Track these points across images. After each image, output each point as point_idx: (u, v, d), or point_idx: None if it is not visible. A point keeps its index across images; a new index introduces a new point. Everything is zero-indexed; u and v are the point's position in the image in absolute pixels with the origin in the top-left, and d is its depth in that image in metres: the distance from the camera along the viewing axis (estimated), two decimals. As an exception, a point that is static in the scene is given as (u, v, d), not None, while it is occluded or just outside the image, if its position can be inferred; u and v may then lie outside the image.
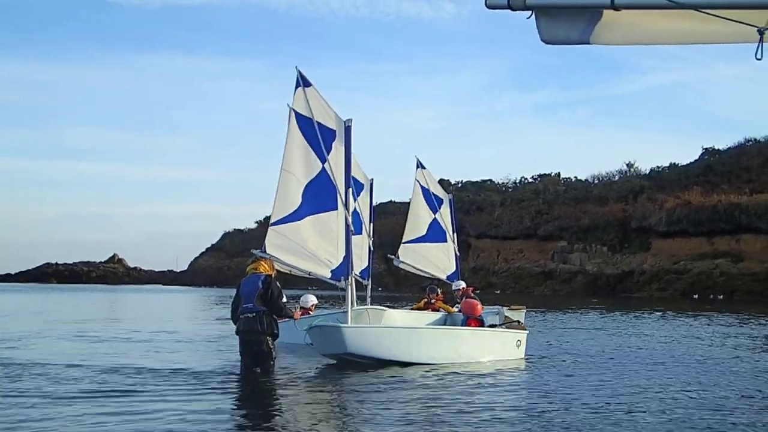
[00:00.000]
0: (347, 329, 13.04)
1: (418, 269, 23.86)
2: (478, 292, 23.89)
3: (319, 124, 13.48)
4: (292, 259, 12.86)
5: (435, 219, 23.99)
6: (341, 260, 13.60)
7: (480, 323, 15.18)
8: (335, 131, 13.76)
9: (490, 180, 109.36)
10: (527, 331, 15.96)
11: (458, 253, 24.75)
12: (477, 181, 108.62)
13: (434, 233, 24.00)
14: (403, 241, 23.49)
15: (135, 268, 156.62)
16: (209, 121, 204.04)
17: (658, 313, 34.86)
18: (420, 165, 23.86)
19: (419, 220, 23.82)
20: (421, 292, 25.43)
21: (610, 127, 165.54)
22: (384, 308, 21.45)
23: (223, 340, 17.64)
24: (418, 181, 23.86)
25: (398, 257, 23.26)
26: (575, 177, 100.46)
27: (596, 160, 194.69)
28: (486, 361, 14.14)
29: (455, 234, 24.93)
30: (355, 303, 14.20)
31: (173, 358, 13.99)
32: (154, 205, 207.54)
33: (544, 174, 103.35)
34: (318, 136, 13.45)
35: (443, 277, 24.45)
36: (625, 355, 16.08)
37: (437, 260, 24.20)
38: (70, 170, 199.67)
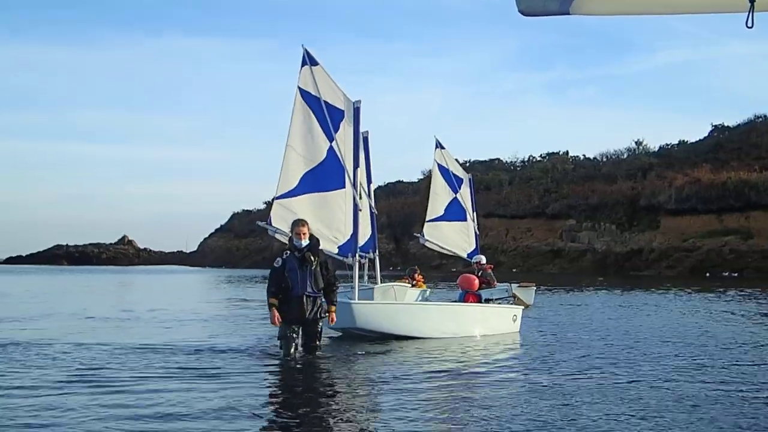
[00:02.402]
0: (356, 305, 13.59)
1: (441, 247, 24.10)
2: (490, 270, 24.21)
3: (326, 103, 13.62)
4: None
5: (455, 198, 24.23)
6: (348, 237, 13.90)
7: (478, 299, 15.54)
8: (343, 111, 13.92)
9: (498, 159, 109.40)
10: (522, 307, 16.72)
11: (477, 232, 25.00)
12: (485, 160, 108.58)
13: (454, 212, 24.25)
14: (427, 219, 23.72)
15: (145, 249, 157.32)
16: (217, 102, 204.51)
17: (666, 291, 34.95)
18: (439, 145, 24.03)
19: (438, 199, 24.01)
20: (430, 270, 25.70)
21: (619, 106, 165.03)
22: (406, 285, 21.90)
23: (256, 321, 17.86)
24: (437, 162, 24.03)
25: (423, 235, 23.48)
26: (584, 155, 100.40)
27: (605, 139, 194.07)
28: (484, 334, 14.75)
29: (475, 213, 25.15)
30: (358, 279, 14.39)
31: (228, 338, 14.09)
32: (163, 186, 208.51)
33: (553, 152, 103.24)
34: (326, 115, 13.59)
35: (464, 255, 24.77)
36: (615, 329, 16.46)
37: (458, 238, 24.49)
38: (78, 152, 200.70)
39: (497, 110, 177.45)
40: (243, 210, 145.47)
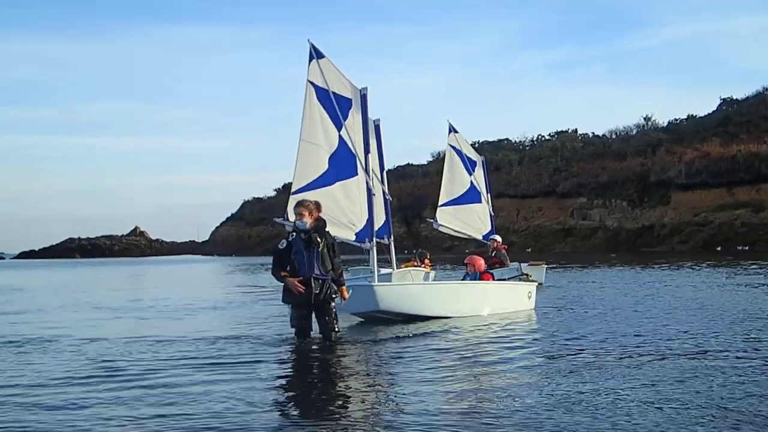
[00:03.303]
0: (378, 288, 13.66)
1: (455, 231, 24.15)
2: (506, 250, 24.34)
3: (334, 94, 13.72)
4: None
5: (471, 181, 24.27)
6: (365, 223, 14.09)
7: (492, 278, 15.75)
8: (351, 100, 14.03)
9: (507, 139, 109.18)
10: (536, 283, 16.97)
11: (492, 213, 25.06)
12: (494, 141, 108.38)
13: (470, 195, 24.32)
14: (440, 204, 23.75)
15: (157, 240, 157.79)
16: (223, 91, 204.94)
17: (679, 267, 34.91)
18: (452, 129, 24.06)
19: (455, 182, 24.07)
20: (442, 252, 25.85)
21: (627, 82, 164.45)
22: (423, 269, 22.04)
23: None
24: (451, 145, 24.08)
25: (436, 220, 23.53)
26: (593, 133, 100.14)
27: (613, 116, 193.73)
28: (503, 312, 14.92)
29: (489, 194, 25.18)
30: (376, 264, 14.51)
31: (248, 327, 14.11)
32: (173, 176, 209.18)
33: (562, 131, 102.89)
34: (335, 106, 13.69)
35: (479, 237, 24.85)
36: (629, 305, 16.53)
37: (474, 221, 24.57)
38: (87, 145, 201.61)
39: (505, 91, 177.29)
40: (253, 198, 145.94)
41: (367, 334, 12.26)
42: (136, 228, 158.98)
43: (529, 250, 74.17)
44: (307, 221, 10.79)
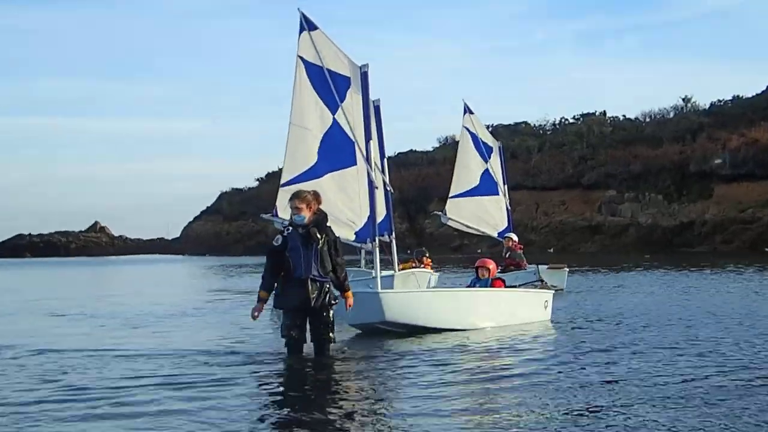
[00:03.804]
0: (385, 295, 13.60)
1: (467, 226, 24.14)
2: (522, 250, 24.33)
3: (330, 71, 13.66)
4: None
5: (486, 170, 24.22)
6: (366, 220, 14.07)
7: (503, 285, 15.76)
8: (349, 78, 13.97)
9: (525, 122, 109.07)
10: (553, 291, 17.08)
11: (510, 207, 25.07)
12: (510, 124, 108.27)
13: (486, 185, 24.28)
14: (450, 195, 23.75)
15: (120, 236, 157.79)
16: (201, 66, 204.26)
17: (723, 269, 34.91)
18: (467, 109, 24.10)
19: (469, 171, 24.08)
20: (449, 252, 25.92)
21: (664, 58, 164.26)
22: (429, 270, 22.06)
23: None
24: (466, 128, 24.11)
25: (445, 213, 23.49)
26: (623, 116, 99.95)
27: (648, 96, 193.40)
28: (517, 323, 14.93)
29: (506, 186, 25.17)
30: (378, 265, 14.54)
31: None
32: (140, 163, 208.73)
33: (588, 113, 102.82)
34: (330, 85, 13.62)
35: (494, 234, 24.92)
36: (661, 315, 16.49)
37: (488, 216, 24.58)
38: (42, 126, 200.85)
39: (524, 66, 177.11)
40: (232, 189, 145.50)
41: (367, 348, 12.27)
42: (96, 223, 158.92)
43: (551, 250, 74.17)
44: (305, 215, 10.72)
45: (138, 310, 20.71)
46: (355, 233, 14.09)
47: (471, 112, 24.20)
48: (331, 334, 10.94)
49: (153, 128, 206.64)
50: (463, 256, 56.84)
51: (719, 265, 38.12)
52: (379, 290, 13.75)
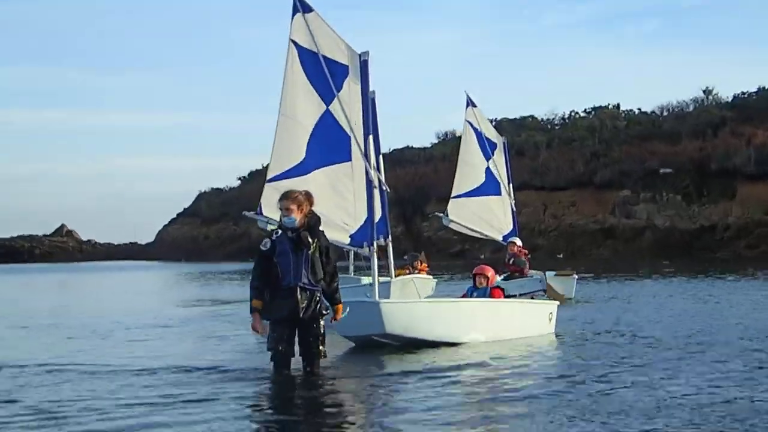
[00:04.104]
0: (386, 306, 13.55)
1: (470, 229, 24.13)
2: (529, 256, 24.34)
3: (326, 58, 13.60)
4: None
5: (488, 168, 24.24)
6: (363, 222, 14.05)
7: (502, 294, 15.80)
8: (347, 66, 13.94)
9: (532, 116, 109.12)
10: (557, 303, 17.06)
11: (515, 209, 25.05)
12: (516, 118, 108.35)
13: (488, 185, 24.29)
14: (453, 194, 23.72)
15: (89, 241, 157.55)
16: (178, 53, 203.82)
17: (749, 277, 34.89)
18: (470, 102, 24.15)
19: (473, 168, 24.05)
20: (449, 258, 25.93)
21: (684, 45, 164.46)
22: (429, 277, 22.03)
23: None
24: (469, 122, 24.11)
25: (446, 214, 23.47)
26: (639, 109, 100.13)
27: (665, 87, 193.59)
28: (522, 336, 15.01)
29: (511, 185, 25.15)
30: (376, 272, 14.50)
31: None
32: (111, 161, 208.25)
33: (600, 106, 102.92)
34: (326, 73, 13.55)
35: (498, 237, 24.99)
36: (682, 330, 16.26)
37: (492, 218, 24.64)
38: None
39: (530, 53, 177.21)
40: (212, 189, 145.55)
41: (359, 363, 12.21)
42: (62, 226, 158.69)
43: (560, 255, 74.21)
44: (296, 217, 10.62)
45: (108, 321, 20.65)
46: (351, 236, 14.04)
47: (474, 105, 24.24)
48: (321, 348, 10.86)
49: (123, 122, 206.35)
50: (463, 262, 56.68)
51: (744, 272, 38.11)
52: (379, 300, 13.68)
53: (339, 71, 13.92)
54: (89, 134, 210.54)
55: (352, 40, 14.17)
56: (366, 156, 14.03)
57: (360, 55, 14.23)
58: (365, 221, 14.12)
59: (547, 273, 24.21)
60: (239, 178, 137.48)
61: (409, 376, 11.06)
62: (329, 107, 13.74)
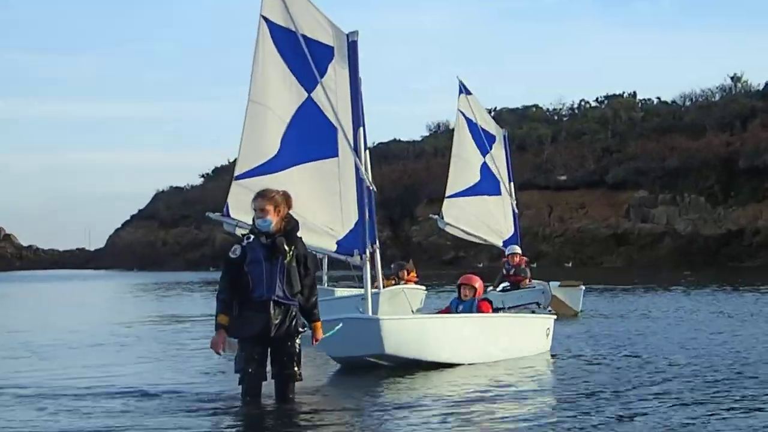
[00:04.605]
0: (387, 323, 13.56)
1: (467, 233, 24.14)
2: (534, 265, 24.41)
3: (306, 38, 13.53)
4: None
5: (485, 163, 24.24)
6: (352, 227, 14.07)
7: (491, 307, 15.89)
8: (332, 48, 13.90)
9: (536, 106, 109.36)
10: (554, 317, 17.23)
11: (516, 210, 25.09)
12: (518, 108, 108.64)
13: (485, 183, 24.28)
14: (448, 194, 23.70)
15: (30, 247, 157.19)
16: (133, 35, 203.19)
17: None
18: (464, 89, 24.15)
19: (468, 164, 24.06)
20: (441, 266, 25.96)
21: (708, 26, 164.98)
22: (420, 287, 22.09)
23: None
24: (461, 112, 24.08)
25: (442, 216, 23.47)
26: (658, 98, 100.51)
27: (688, 74, 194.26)
28: (520, 356, 15.28)
29: (512, 183, 25.18)
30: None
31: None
32: (56, 156, 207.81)
33: (614, 95, 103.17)
34: (307, 55, 13.48)
35: (498, 243, 25.06)
36: (707, 351, 16.05)
37: (491, 220, 24.63)
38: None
39: (535, 35, 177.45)
40: (171, 187, 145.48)
41: (340, 388, 12.19)
42: (0, 230, 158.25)
43: (569, 264, 74.29)
44: (272, 219, 10.45)
45: (48, 338, 20.59)
46: (337, 242, 13.97)
47: (468, 93, 24.24)
48: (296, 369, 10.74)
49: (71, 111, 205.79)
50: (457, 272, 56.71)
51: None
52: (379, 316, 13.79)
53: (322, 53, 13.87)
54: (33, 126, 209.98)
55: (339, 16, 14.22)
56: (356, 151, 14.01)
57: (347, 35, 14.23)
58: (355, 225, 14.09)
59: (551, 283, 24.27)
60: (202, 176, 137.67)
61: (394, 404, 10.94)
62: (311, 94, 13.68)
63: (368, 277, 14.25)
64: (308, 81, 13.67)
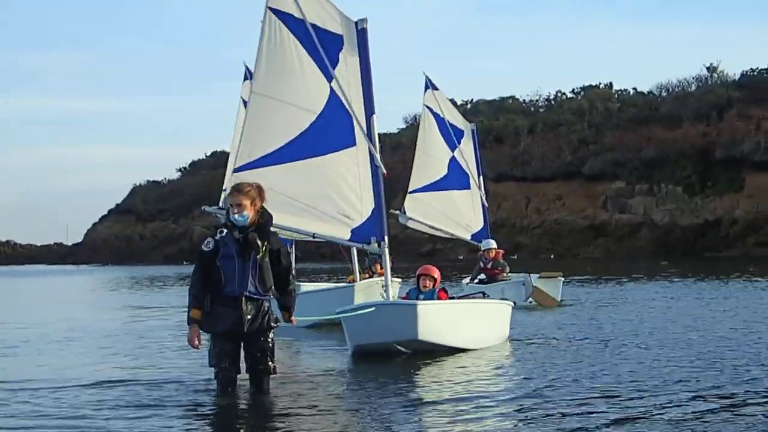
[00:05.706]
0: (424, 308, 13.76)
1: (431, 227, 24.10)
2: (514, 257, 24.58)
3: (316, 27, 13.44)
4: (278, 216, 12.70)
5: (453, 158, 24.30)
6: (369, 214, 14.22)
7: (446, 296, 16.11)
8: (341, 37, 13.88)
9: (513, 97, 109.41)
10: (512, 304, 17.55)
11: (486, 204, 25.19)
12: (494, 100, 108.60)
13: (452, 178, 24.35)
14: (410, 189, 23.59)
15: (8, 242, 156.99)
16: (108, 30, 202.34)
17: (758, 279, 35.04)
18: (430, 84, 24.12)
19: (433, 159, 24.05)
20: (419, 259, 26.02)
21: (686, 16, 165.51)
22: (396, 279, 22.21)
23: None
24: (428, 107, 24.13)
25: (403, 211, 23.37)
26: (634, 89, 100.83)
27: (664, 64, 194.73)
28: (496, 342, 15.85)
29: (481, 177, 25.21)
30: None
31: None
32: (33, 149, 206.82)
33: (590, 86, 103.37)
34: (317, 46, 13.41)
35: (467, 237, 25.16)
36: (679, 343, 15.84)
37: (458, 214, 24.75)
38: None
39: (511, 26, 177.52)
40: (148, 181, 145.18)
41: (315, 379, 12.12)
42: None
43: (552, 256, 74.31)
44: (249, 214, 10.38)
45: (21, 334, 20.42)
46: (352, 230, 14.05)
47: (435, 88, 24.18)
48: (270, 364, 10.66)
49: (48, 105, 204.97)
50: (439, 264, 56.74)
51: (754, 273, 38.26)
52: (417, 302, 13.91)
53: (333, 43, 13.87)
54: (9, 120, 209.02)
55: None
56: (370, 138, 14.16)
57: (356, 23, 14.24)
58: (372, 213, 14.26)
59: (532, 275, 24.55)
60: (179, 170, 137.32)
61: (372, 396, 10.85)
62: (331, 84, 13.72)
63: (388, 264, 14.61)
64: (326, 71, 13.69)
